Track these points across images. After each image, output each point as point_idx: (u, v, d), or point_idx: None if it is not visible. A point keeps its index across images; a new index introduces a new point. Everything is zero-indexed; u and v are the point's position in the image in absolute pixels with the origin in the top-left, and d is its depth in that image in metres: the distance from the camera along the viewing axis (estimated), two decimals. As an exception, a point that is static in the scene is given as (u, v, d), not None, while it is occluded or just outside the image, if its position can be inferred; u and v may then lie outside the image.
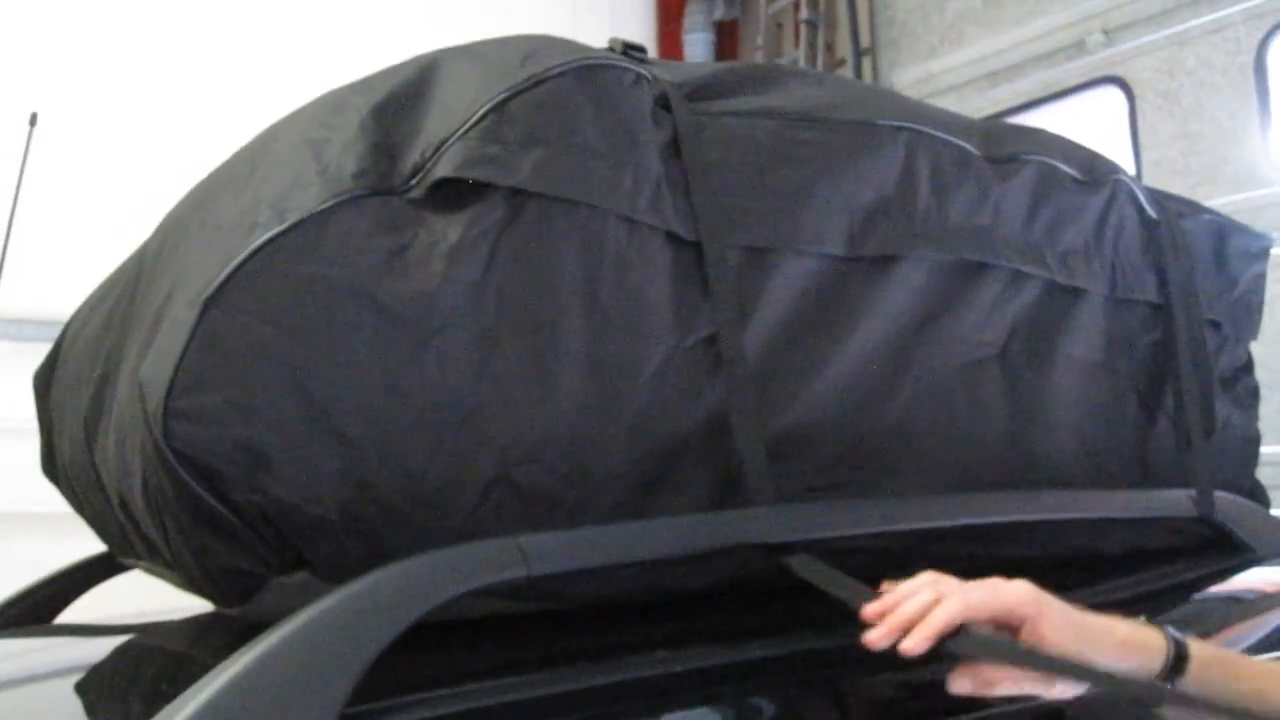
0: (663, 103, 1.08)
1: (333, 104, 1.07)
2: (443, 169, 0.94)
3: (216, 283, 0.86)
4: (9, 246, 1.70)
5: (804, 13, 4.97)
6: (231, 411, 0.85)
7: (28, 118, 1.74)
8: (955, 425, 1.21)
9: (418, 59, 1.09)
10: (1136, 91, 3.69)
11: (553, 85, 1.00)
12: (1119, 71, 3.77)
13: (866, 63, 4.54)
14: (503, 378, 0.93)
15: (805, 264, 1.11)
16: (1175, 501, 1.42)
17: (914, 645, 0.86)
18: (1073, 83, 3.92)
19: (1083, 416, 1.35)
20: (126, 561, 1.34)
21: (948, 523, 1.16)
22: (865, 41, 4.56)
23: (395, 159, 0.96)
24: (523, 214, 0.96)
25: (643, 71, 1.08)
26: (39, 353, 1.45)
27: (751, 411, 1.03)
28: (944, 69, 4.29)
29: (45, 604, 1.55)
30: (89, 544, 1.41)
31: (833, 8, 4.92)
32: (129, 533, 1.11)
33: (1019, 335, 1.27)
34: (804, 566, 0.99)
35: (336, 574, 0.88)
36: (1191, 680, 0.93)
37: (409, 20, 3.99)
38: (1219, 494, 1.45)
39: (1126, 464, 1.41)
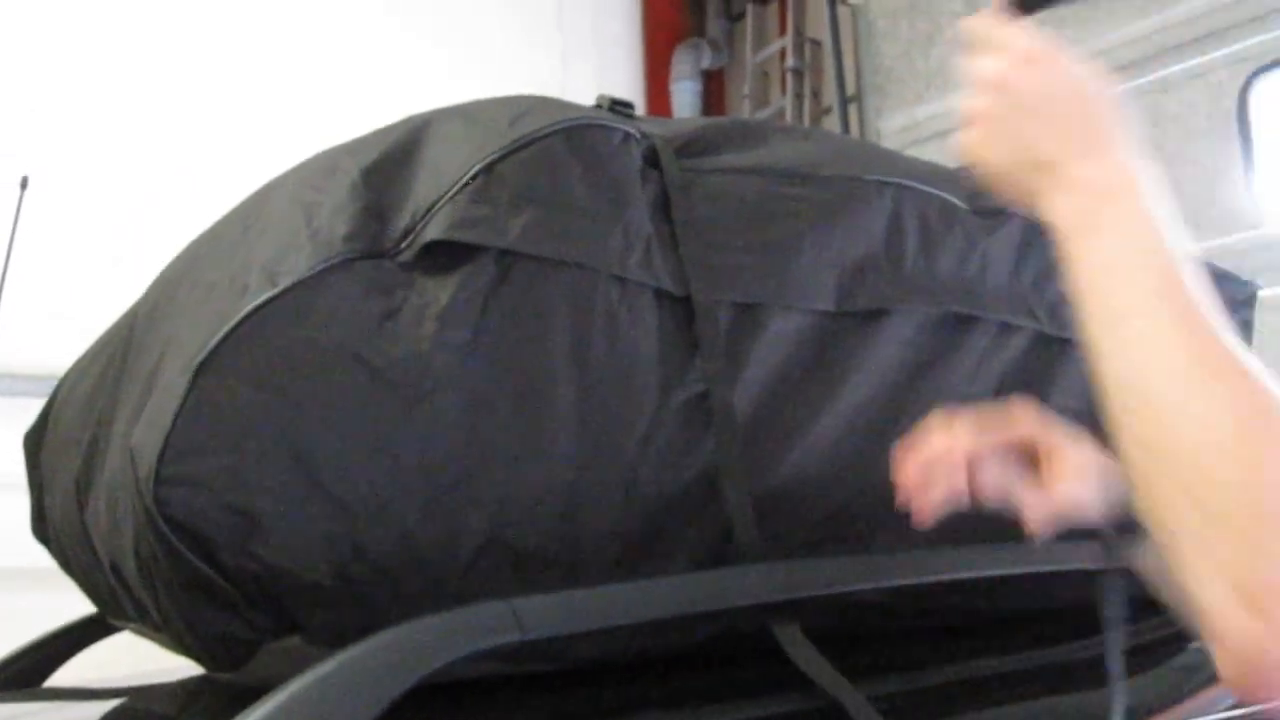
0: (651, 160, 1.09)
1: (324, 166, 1.07)
2: (432, 231, 0.95)
3: (208, 348, 0.87)
4: (1, 304, 1.71)
5: (790, 61, 5.02)
6: (224, 477, 0.85)
7: (19, 181, 1.75)
8: (947, 479, 1.21)
9: (409, 120, 1.10)
10: (1120, 137, 3.72)
11: (541, 146, 1.01)
12: (1103, 117, 3.79)
13: (853, 110, 4.57)
14: (494, 439, 0.94)
15: (795, 320, 1.11)
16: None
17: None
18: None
19: (1074, 467, 1.35)
20: (117, 623, 1.33)
21: (941, 577, 1.15)
22: (851, 89, 4.60)
23: (386, 221, 0.97)
24: (512, 275, 0.96)
25: (630, 130, 1.09)
26: (33, 408, 1.45)
27: (742, 469, 1.03)
28: (930, 115, 4.32)
29: (38, 666, 1.54)
30: (81, 600, 1.40)
31: (818, 56, 4.97)
32: (120, 595, 1.10)
33: (1007, 387, 1.27)
34: (791, 644, 1.00)
35: (329, 639, 0.88)
36: None
37: (401, 77, 4.02)
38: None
39: (1125, 515, 1.41)
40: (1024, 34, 0.84)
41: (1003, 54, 0.83)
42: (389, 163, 1.02)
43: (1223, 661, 0.66)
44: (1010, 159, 0.82)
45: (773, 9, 5.41)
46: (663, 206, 1.07)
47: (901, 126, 4.42)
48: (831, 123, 4.58)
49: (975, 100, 0.84)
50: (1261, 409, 0.67)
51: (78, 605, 1.45)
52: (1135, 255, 0.74)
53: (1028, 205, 0.82)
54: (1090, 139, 0.79)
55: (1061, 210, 0.78)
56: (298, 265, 0.91)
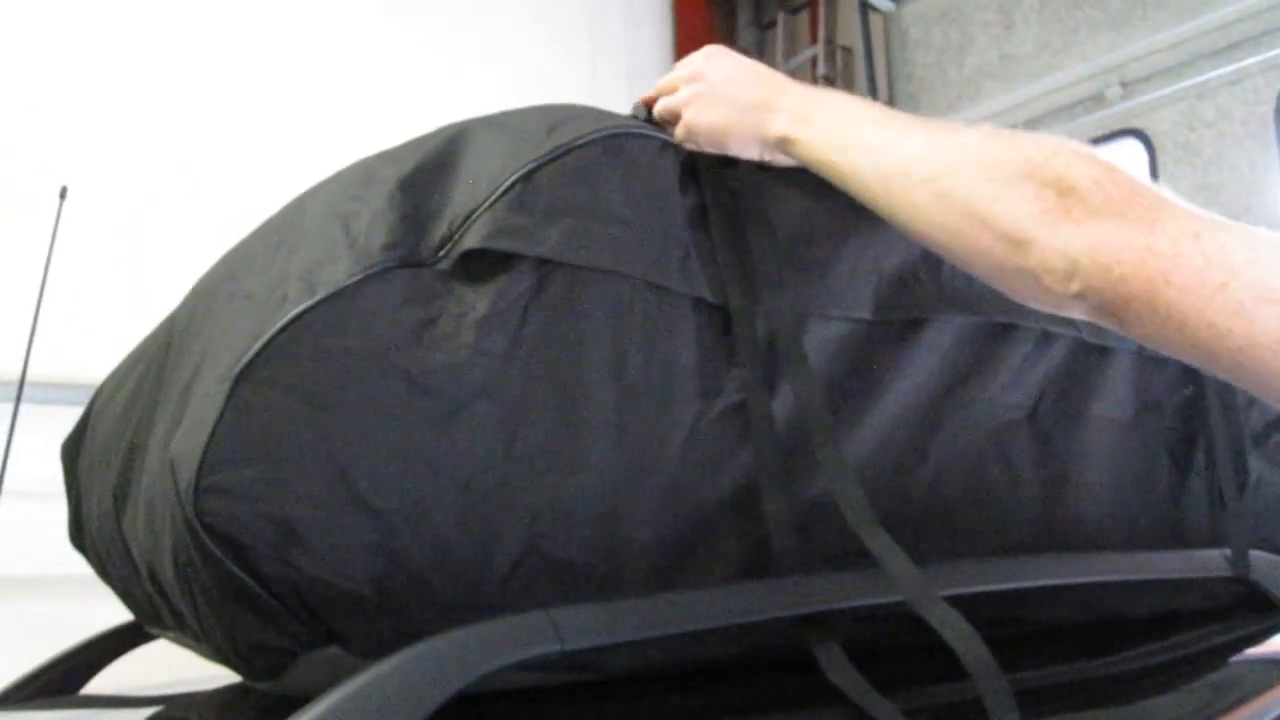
0: (689, 169, 1.09)
1: (360, 175, 1.07)
2: (470, 240, 0.94)
3: (247, 358, 0.86)
4: (40, 314, 1.73)
5: (822, 69, 5.01)
6: (263, 486, 0.85)
7: (58, 191, 1.77)
8: (986, 488, 1.20)
9: (444, 129, 1.09)
10: (1156, 143, 3.70)
11: (579, 155, 1.00)
12: (1138, 124, 3.77)
13: (885, 118, 4.56)
14: (532, 449, 0.93)
15: (833, 329, 1.11)
16: (1210, 562, 1.40)
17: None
18: (1093, 135, 3.93)
19: (1114, 477, 1.34)
20: (154, 631, 1.34)
21: (980, 588, 1.14)
22: (884, 97, 4.59)
23: (424, 231, 0.96)
24: (551, 284, 0.96)
25: (668, 138, 1.09)
26: (69, 416, 1.46)
27: (780, 479, 1.03)
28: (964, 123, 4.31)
29: (74, 673, 1.55)
30: (115, 608, 1.41)
31: (850, 64, 4.96)
32: (157, 603, 1.11)
33: (1048, 396, 1.26)
34: (831, 665, 0.99)
35: (366, 649, 0.87)
36: None
37: (431, 84, 4.04)
38: (1254, 553, 1.43)
39: (1159, 524, 1.40)
40: (704, 49, 1.12)
41: (692, 59, 1.11)
42: (426, 172, 1.02)
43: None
44: (728, 115, 1.05)
45: (803, 17, 5.41)
46: (701, 216, 1.07)
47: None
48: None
49: (681, 92, 1.08)
50: (955, 144, 0.93)
51: (115, 613, 1.46)
52: (848, 118, 1.00)
53: (751, 147, 1.05)
54: (778, 83, 1.07)
55: (782, 124, 1.03)
56: (336, 274, 0.91)
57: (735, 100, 1.06)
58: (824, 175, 1.01)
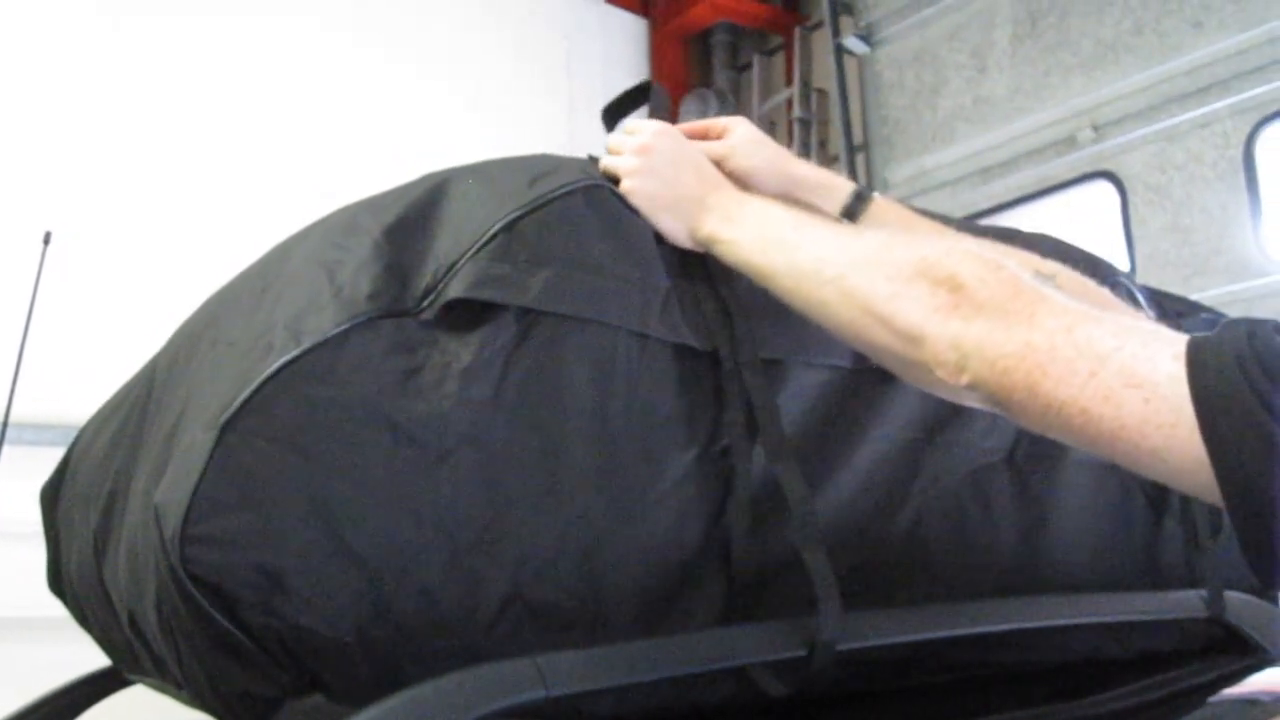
0: None
1: (345, 223, 1.08)
2: (454, 290, 0.95)
3: (234, 407, 0.87)
4: (24, 356, 1.73)
5: (797, 111, 5.06)
6: (248, 536, 0.85)
7: (42, 236, 1.78)
8: (965, 531, 1.21)
9: (427, 178, 1.10)
10: (1127, 185, 3.74)
11: (561, 205, 1.02)
12: (1110, 166, 3.82)
13: (860, 159, 4.60)
14: (515, 497, 0.94)
15: (814, 376, 1.12)
16: (1186, 602, 1.41)
17: None
18: (1064, 177, 3.97)
19: (1091, 518, 1.35)
20: (133, 677, 1.33)
21: (959, 631, 1.15)
22: (858, 139, 4.63)
23: (408, 280, 0.97)
24: (534, 333, 0.97)
25: None
26: (51, 457, 1.46)
27: (763, 525, 1.03)
28: (937, 165, 4.35)
29: (52, 718, 1.54)
30: (94, 653, 1.40)
31: (825, 106, 5.01)
32: (138, 650, 1.10)
33: (1025, 439, 1.28)
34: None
35: (351, 697, 0.87)
36: (869, 219, 1.18)
37: (412, 125, 4.06)
38: (1230, 594, 1.44)
39: (1136, 565, 1.41)
40: (655, 125, 1.16)
41: (644, 131, 1.14)
42: (410, 221, 1.02)
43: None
44: (664, 199, 1.09)
45: (779, 59, 5.46)
46: (681, 263, 1.08)
47: (908, 176, 4.45)
48: (839, 172, 4.59)
49: (626, 159, 1.11)
50: (860, 246, 0.99)
51: (92, 658, 1.45)
52: (768, 221, 1.05)
53: (680, 234, 1.09)
54: (714, 180, 1.13)
55: (710, 224, 1.07)
56: (321, 324, 0.92)
57: (674, 187, 1.10)
58: (746, 274, 1.05)
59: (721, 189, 1.12)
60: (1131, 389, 0.78)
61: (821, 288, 0.97)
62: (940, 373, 0.89)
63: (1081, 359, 0.81)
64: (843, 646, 1.02)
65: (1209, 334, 0.80)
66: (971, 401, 0.91)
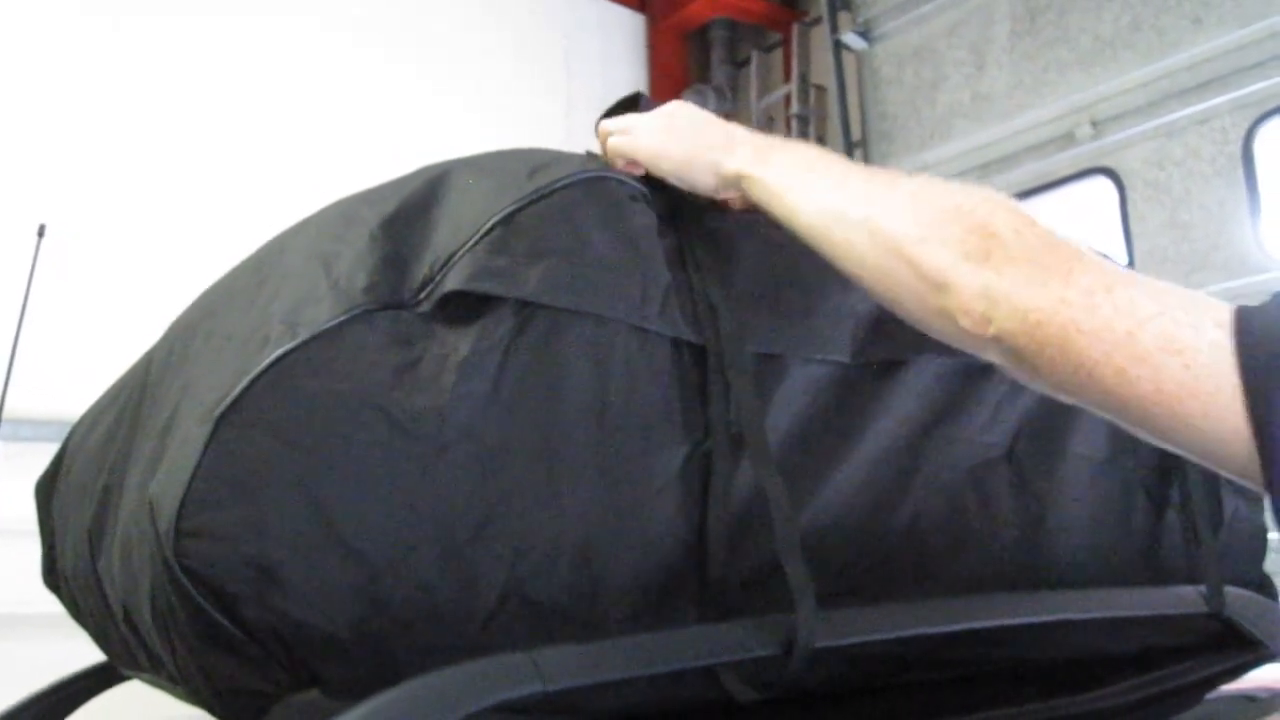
0: (668, 212, 1.10)
1: (342, 216, 1.07)
2: (451, 282, 0.94)
3: (229, 399, 0.86)
4: (18, 350, 1.73)
5: (795, 107, 5.06)
6: (244, 529, 0.84)
7: (36, 229, 1.77)
8: (966, 527, 1.20)
9: (425, 170, 1.10)
10: (1126, 181, 3.74)
11: (560, 197, 1.01)
12: (1108, 162, 3.82)
13: (858, 155, 4.60)
14: (512, 490, 0.93)
15: (813, 371, 1.11)
16: (1185, 598, 1.41)
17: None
18: (1063, 173, 3.97)
19: (1091, 515, 1.34)
20: (128, 672, 1.32)
21: (959, 626, 1.15)
22: (857, 135, 4.63)
23: (405, 272, 0.97)
24: (531, 326, 0.96)
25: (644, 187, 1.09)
26: (45, 452, 1.45)
27: (750, 524, 1.03)
28: (936, 160, 4.34)
29: (47, 714, 1.53)
30: (89, 648, 1.40)
31: (824, 102, 5.01)
32: (133, 645, 1.10)
33: (1024, 435, 1.27)
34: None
35: (347, 692, 0.87)
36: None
37: (410, 121, 4.06)
38: (1229, 589, 1.44)
39: (1136, 561, 1.41)
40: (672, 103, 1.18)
41: (659, 109, 1.16)
42: (407, 213, 1.02)
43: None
44: (689, 146, 1.10)
45: (777, 56, 5.46)
46: (680, 258, 1.07)
47: (908, 171, 4.44)
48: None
49: (649, 122, 1.13)
50: (890, 188, 0.97)
51: (87, 653, 1.44)
52: (799, 162, 1.05)
53: (708, 177, 1.09)
54: (739, 130, 1.12)
55: (740, 160, 1.07)
56: (318, 317, 0.91)
57: (698, 135, 1.11)
58: (772, 213, 1.05)
59: (748, 136, 1.12)
60: (1171, 354, 0.76)
61: (849, 228, 0.96)
62: (965, 322, 0.87)
63: (1120, 318, 0.79)
64: (823, 643, 1.01)
65: (1258, 304, 0.77)
66: (993, 356, 0.89)
